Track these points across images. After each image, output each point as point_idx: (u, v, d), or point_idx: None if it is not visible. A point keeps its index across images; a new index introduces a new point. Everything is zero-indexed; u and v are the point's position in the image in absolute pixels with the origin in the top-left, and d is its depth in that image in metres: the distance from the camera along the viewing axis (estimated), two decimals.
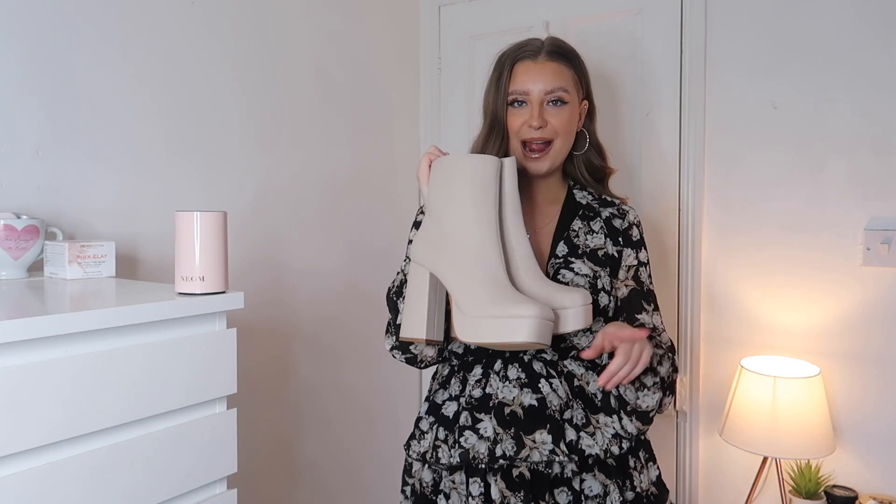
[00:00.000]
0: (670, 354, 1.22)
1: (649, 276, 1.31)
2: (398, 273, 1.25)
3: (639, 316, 1.23)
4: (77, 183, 1.40)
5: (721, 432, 1.73)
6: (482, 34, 2.23)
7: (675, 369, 1.23)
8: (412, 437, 1.27)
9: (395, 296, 1.22)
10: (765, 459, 1.71)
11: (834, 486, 1.68)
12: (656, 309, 1.28)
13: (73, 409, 0.89)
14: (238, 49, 1.73)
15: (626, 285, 1.26)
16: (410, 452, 1.26)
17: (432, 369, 1.35)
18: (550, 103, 1.24)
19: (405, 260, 1.25)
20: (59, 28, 1.37)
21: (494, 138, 1.25)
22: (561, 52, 1.28)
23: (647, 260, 1.32)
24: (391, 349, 1.23)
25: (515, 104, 1.25)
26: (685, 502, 1.94)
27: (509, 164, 1.13)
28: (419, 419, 1.28)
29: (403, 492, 1.30)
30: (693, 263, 1.90)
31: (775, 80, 1.79)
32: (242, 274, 1.69)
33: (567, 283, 1.20)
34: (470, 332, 1.02)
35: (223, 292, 1.06)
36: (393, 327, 1.21)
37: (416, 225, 1.31)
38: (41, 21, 1.35)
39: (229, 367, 1.09)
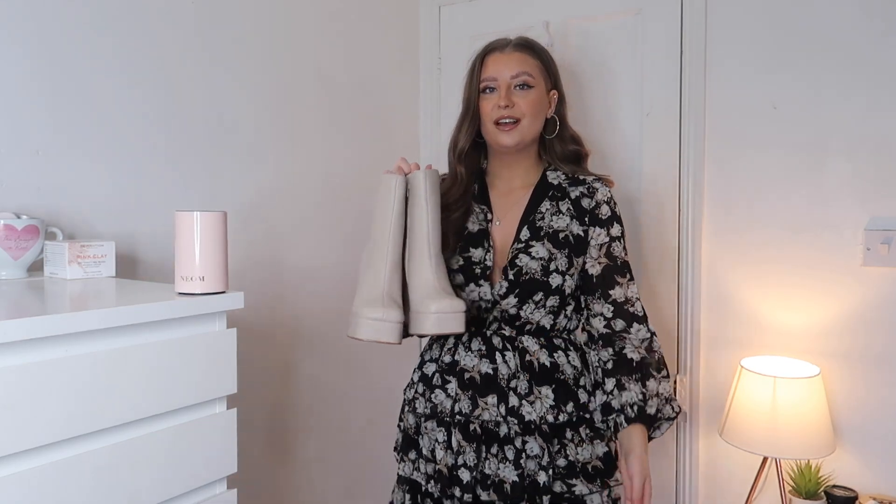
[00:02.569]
0: (661, 380, 1.35)
1: (623, 248, 1.41)
2: None
3: (611, 292, 1.37)
4: (77, 183, 1.40)
5: (721, 432, 1.73)
6: (482, 34, 2.21)
7: (661, 375, 1.35)
8: (407, 385, 1.49)
9: None
10: (765, 459, 1.71)
11: (834, 486, 1.68)
12: (630, 279, 1.39)
13: (74, 409, 0.89)
14: (238, 49, 1.73)
15: (600, 262, 1.38)
16: (405, 396, 1.48)
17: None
18: (517, 87, 1.38)
19: None
20: (59, 29, 1.37)
21: (468, 122, 1.42)
22: (526, 45, 1.43)
23: (621, 234, 1.41)
24: None
25: (487, 91, 1.40)
26: (685, 502, 1.94)
27: (424, 176, 1.29)
28: (414, 371, 1.48)
29: (399, 426, 1.50)
30: (693, 263, 1.90)
31: (775, 80, 1.79)
32: (242, 274, 1.69)
33: (522, 267, 1.35)
34: (351, 327, 1.26)
35: (223, 292, 1.06)
36: None
37: None
38: (42, 22, 1.35)
39: (229, 367, 1.09)
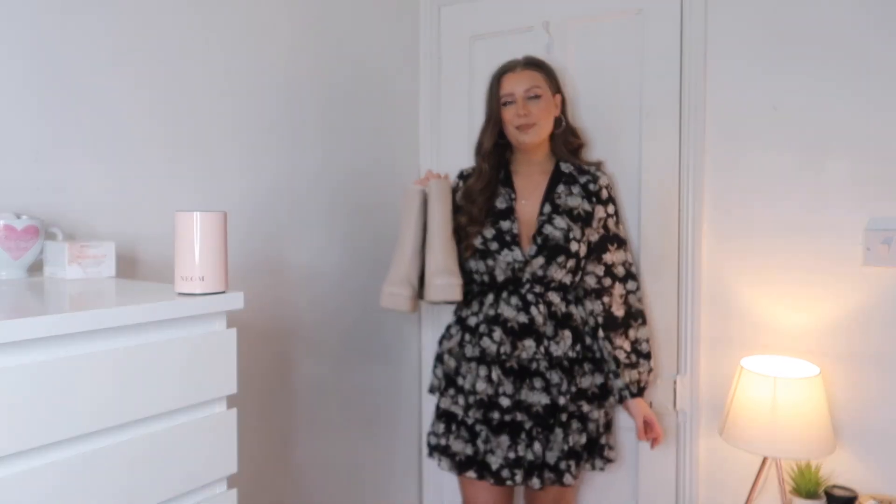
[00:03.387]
0: (639, 327, 1.81)
1: (617, 223, 1.83)
2: None
3: (604, 256, 1.80)
4: (77, 183, 1.40)
5: (721, 432, 1.73)
6: (482, 34, 2.23)
7: (638, 323, 1.82)
8: (444, 337, 1.88)
9: None
10: (765, 459, 1.71)
11: (834, 486, 1.68)
12: (619, 247, 1.82)
13: (73, 409, 0.89)
14: (237, 49, 1.73)
15: (598, 232, 1.80)
16: (441, 347, 1.87)
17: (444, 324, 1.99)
18: (529, 99, 1.76)
19: None
20: (58, 28, 1.37)
21: (490, 128, 1.81)
22: (533, 63, 1.81)
23: (615, 212, 1.83)
24: None
25: (506, 104, 1.78)
26: (685, 502, 1.94)
27: (435, 185, 1.76)
28: (449, 326, 1.88)
29: (435, 374, 1.89)
30: (693, 263, 1.90)
31: (775, 81, 1.79)
32: (242, 274, 1.69)
33: (548, 235, 1.74)
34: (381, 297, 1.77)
35: (223, 292, 1.06)
36: None
37: None
38: (41, 21, 1.35)
39: (229, 367, 1.09)
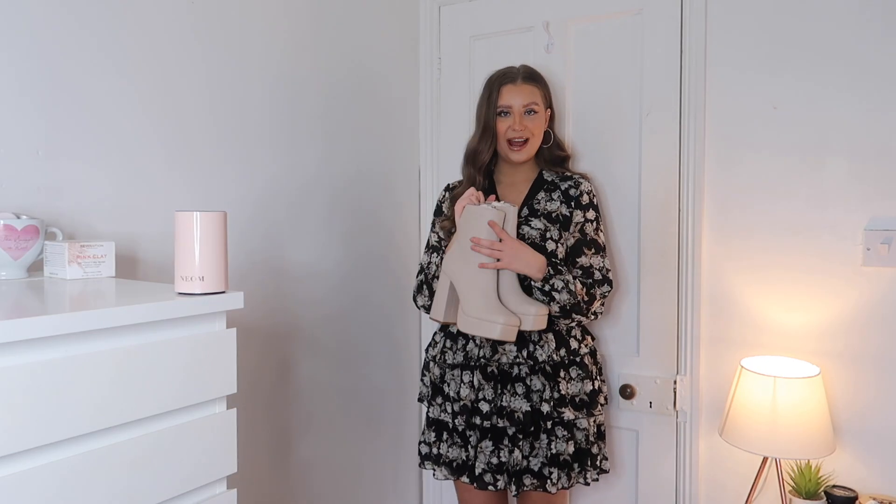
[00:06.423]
0: (569, 286, 1.68)
1: (596, 229, 1.79)
2: (423, 265, 1.83)
3: (579, 259, 1.75)
4: (77, 183, 1.40)
5: (721, 432, 1.73)
6: (482, 34, 2.23)
7: (576, 293, 1.68)
8: (430, 345, 1.87)
9: (422, 280, 1.84)
10: (765, 459, 1.71)
11: (834, 486, 1.68)
12: (596, 252, 1.77)
13: (73, 408, 0.89)
14: (237, 49, 1.73)
15: (574, 237, 1.77)
16: (427, 355, 1.86)
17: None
18: (527, 113, 1.76)
19: (426, 251, 1.85)
20: (58, 28, 1.37)
21: (488, 140, 1.78)
22: (532, 77, 1.80)
23: (595, 218, 1.79)
24: (420, 306, 1.85)
25: (502, 115, 1.77)
26: (685, 502, 1.94)
27: (512, 209, 1.65)
28: (435, 333, 1.87)
29: (423, 381, 1.87)
30: (693, 264, 1.90)
31: (775, 81, 1.79)
32: (242, 274, 1.69)
33: (524, 235, 1.72)
34: (465, 324, 1.63)
35: (223, 292, 1.06)
36: (423, 297, 1.82)
37: (437, 210, 1.90)
38: (40, 21, 1.35)
39: (229, 367, 1.09)
